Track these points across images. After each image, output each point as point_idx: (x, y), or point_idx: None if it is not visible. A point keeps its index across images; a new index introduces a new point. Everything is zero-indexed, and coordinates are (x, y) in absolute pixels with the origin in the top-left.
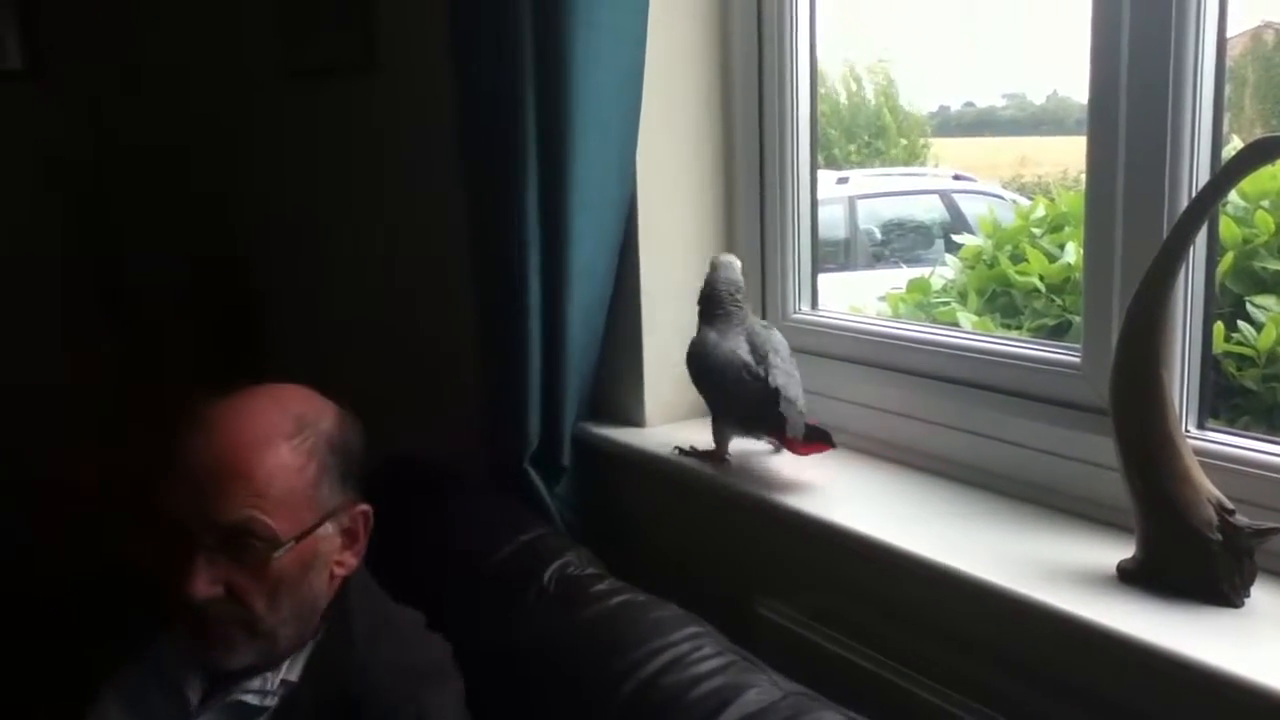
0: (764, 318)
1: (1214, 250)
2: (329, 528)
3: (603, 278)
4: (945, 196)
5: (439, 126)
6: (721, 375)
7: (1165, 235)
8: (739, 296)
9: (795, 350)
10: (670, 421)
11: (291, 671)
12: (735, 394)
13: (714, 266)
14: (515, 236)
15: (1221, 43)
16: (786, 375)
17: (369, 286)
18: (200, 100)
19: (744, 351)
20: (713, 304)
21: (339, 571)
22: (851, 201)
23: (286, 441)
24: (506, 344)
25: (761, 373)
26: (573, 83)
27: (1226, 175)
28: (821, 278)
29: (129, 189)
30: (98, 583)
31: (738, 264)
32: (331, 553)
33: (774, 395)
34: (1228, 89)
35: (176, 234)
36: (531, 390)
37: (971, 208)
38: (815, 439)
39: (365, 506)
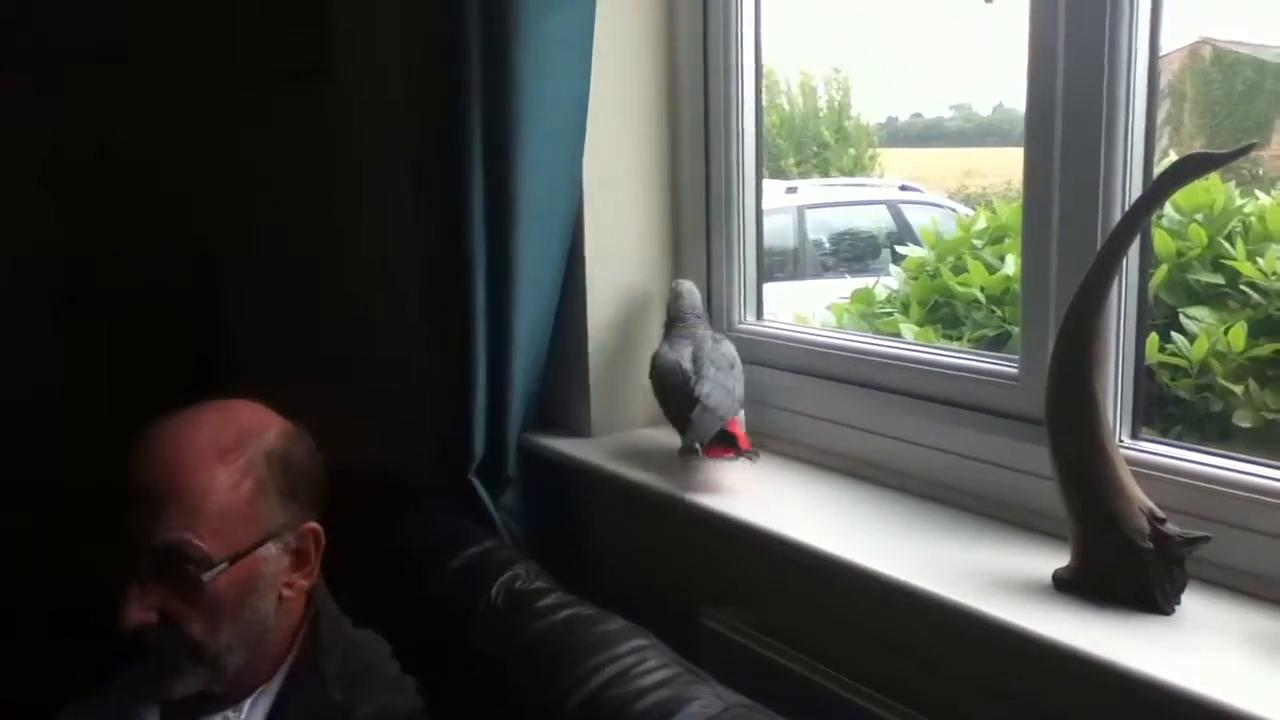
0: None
1: (1147, 262)
2: (271, 548)
3: (549, 288)
4: (892, 207)
5: (393, 136)
6: (660, 381)
7: (1099, 247)
8: (697, 313)
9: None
10: (616, 431)
11: (256, 711)
12: (666, 399)
13: (675, 293)
14: (461, 246)
15: (1154, 59)
16: (714, 384)
17: (322, 296)
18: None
19: (685, 360)
20: (673, 322)
21: (289, 594)
22: (800, 211)
23: (220, 459)
24: (453, 354)
25: (692, 381)
26: (519, 93)
27: (1158, 189)
28: (771, 287)
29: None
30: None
31: (692, 288)
32: (278, 574)
33: (693, 402)
34: (1167, 105)
35: (139, 237)
36: (477, 401)
37: (918, 218)
38: (720, 444)
39: (314, 525)
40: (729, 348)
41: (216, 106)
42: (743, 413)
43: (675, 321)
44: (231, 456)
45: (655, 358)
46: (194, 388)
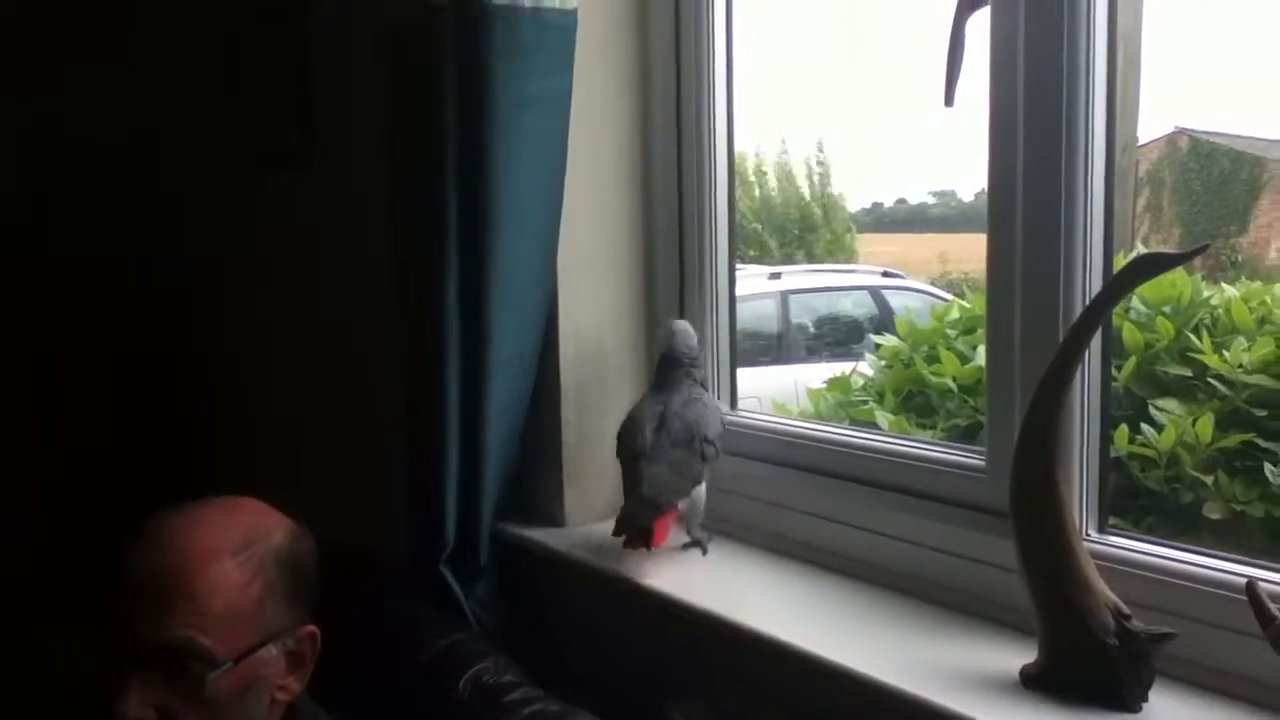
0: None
1: (1109, 356)
2: (272, 650)
3: (523, 373)
4: (875, 292)
5: (373, 224)
6: (618, 444)
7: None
8: (690, 358)
9: None
10: (591, 521)
11: None
12: (619, 445)
13: (665, 331)
14: (436, 330)
15: (1110, 151)
16: (663, 466)
17: (296, 384)
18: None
19: (647, 430)
20: (660, 365)
21: (281, 696)
22: (784, 296)
23: (231, 558)
24: (426, 443)
25: (640, 462)
26: (495, 183)
27: (1116, 286)
28: (756, 370)
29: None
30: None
31: (688, 327)
32: (274, 676)
33: (634, 485)
34: (1146, 192)
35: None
36: (449, 489)
37: (901, 303)
38: (638, 539)
39: (313, 629)
40: (699, 411)
41: (199, 194)
42: (702, 488)
43: (661, 365)
44: (242, 555)
45: (630, 412)
46: (168, 482)
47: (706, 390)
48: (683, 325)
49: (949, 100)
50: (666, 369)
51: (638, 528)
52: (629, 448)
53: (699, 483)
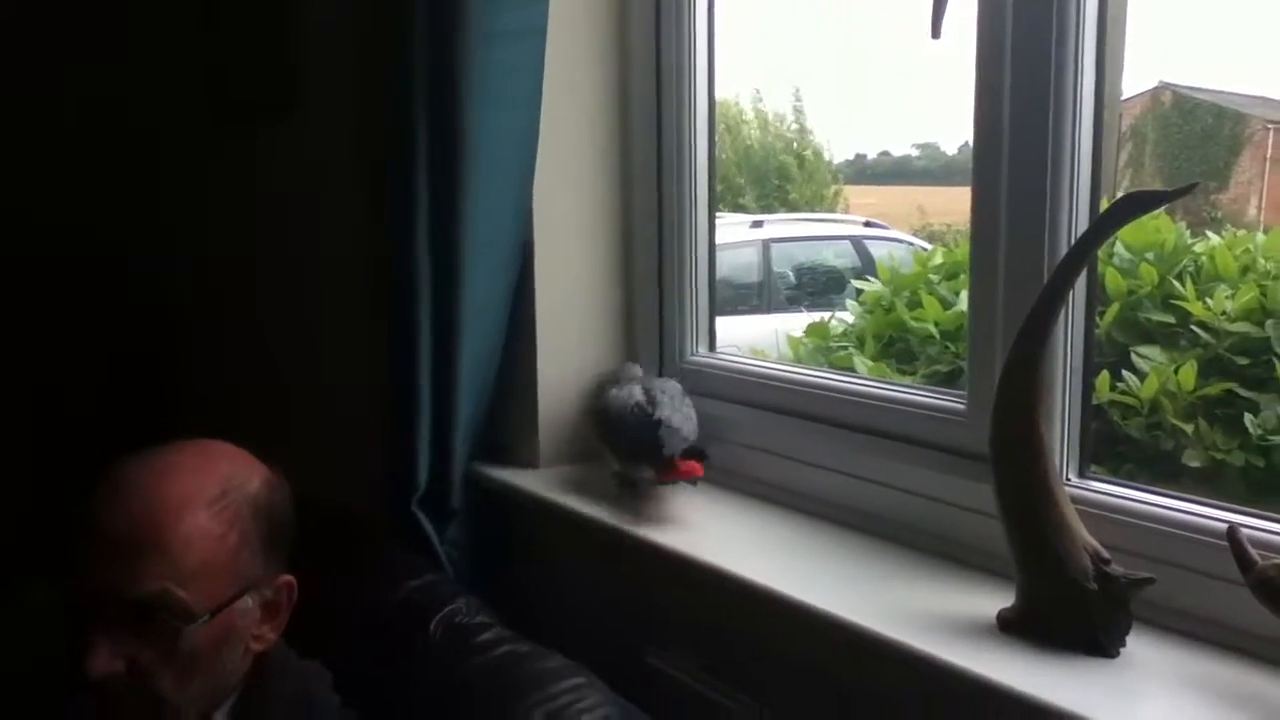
0: (661, 358)
1: (1094, 300)
2: (248, 600)
3: (496, 317)
4: (857, 242)
5: (349, 164)
6: (619, 418)
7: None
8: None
9: (691, 393)
10: (564, 463)
11: None
12: (624, 430)
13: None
14: (406, 274)
15: (1099, 99)
16: (673, 409)
17: (266, 324)
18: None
19: (638, 396)
20: (614, 381)
21: (255, 646)
22: (765, 245)
23: (206, 508)
24: (397, 383)
25: (650, 409)
26: (467, 121)
27: (1102, 224)
28: (735, 319)
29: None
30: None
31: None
32: (250, 627)
33: (655, 423)
34: (1129, 147)
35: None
36: (421, 431)
37: (882, 254)
38: (691, 456)
39: (289, 578)
40: (674, 382)
41: (179, 139)
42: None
43: (616, 380)
44: (218, 505)
45: (601, 401)
46: (133, 416)
47: None
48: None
49: (935, 32)
50: (618, 380)
51: (679, 452)
52: (631, 412)
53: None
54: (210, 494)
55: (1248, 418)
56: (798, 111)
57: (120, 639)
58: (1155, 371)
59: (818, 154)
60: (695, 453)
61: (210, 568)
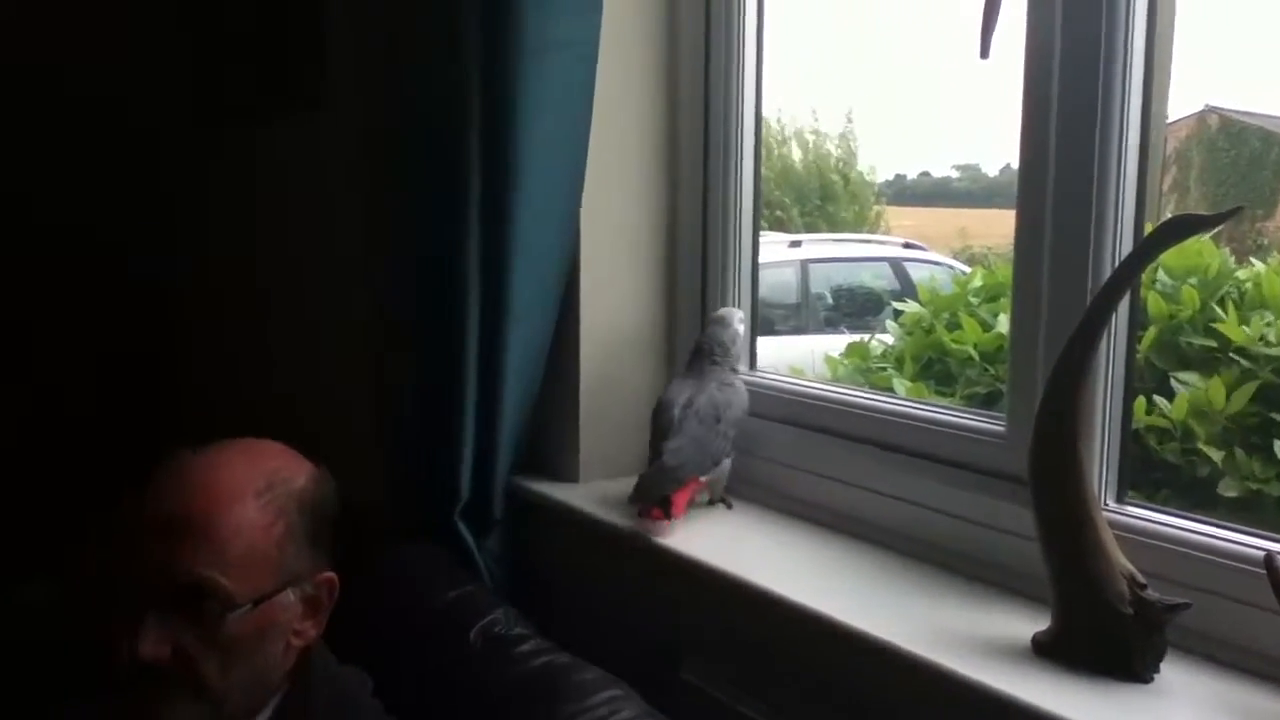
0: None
1: (1135, 325)
2: (290, 595)
3: (542, 330)
4: (895, 264)
5: (388, 168)
6: (653, 421)
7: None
8: (718, 352)
9: None
10: (605, 477)
11: None
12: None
13: (712, 320)
14: (454, 283)
15: (1145, 123)
16: (687, 439)
17: (314, 332)
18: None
19: (677, 406)
20: (695, 355)
21: (296, 642)
22: (804, 265)
23: (254, 499)
24: (443, 395)
25: (668, 433)
26: (518, 130)
27: (1146, 247)
28: (773, 340)
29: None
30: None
31: (732, 320)
32: (290, 621)
33: (656, 456)
34: (1174, 171)
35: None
36: (465, 442)
37: (921, 276)
38: (656, 506)
39: (331, 575)
40: (729, 395)
41: (190, 138)
42: (727, 462)
43: (697, 353)
44: (265, 497)
45: (662, 394)
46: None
47: (738, 376)
48: (724, 315)
49: (984, 53)
50: (698, 356)
51: (656, 496)
52: (657, 424)
53: (720, 461)
54: (258, 486)
55: None
56: (846, 134)
57: (165, 624)
58: (1191, 395)
59: (862, 174)
60: (662, 504)
61: (255, 558)
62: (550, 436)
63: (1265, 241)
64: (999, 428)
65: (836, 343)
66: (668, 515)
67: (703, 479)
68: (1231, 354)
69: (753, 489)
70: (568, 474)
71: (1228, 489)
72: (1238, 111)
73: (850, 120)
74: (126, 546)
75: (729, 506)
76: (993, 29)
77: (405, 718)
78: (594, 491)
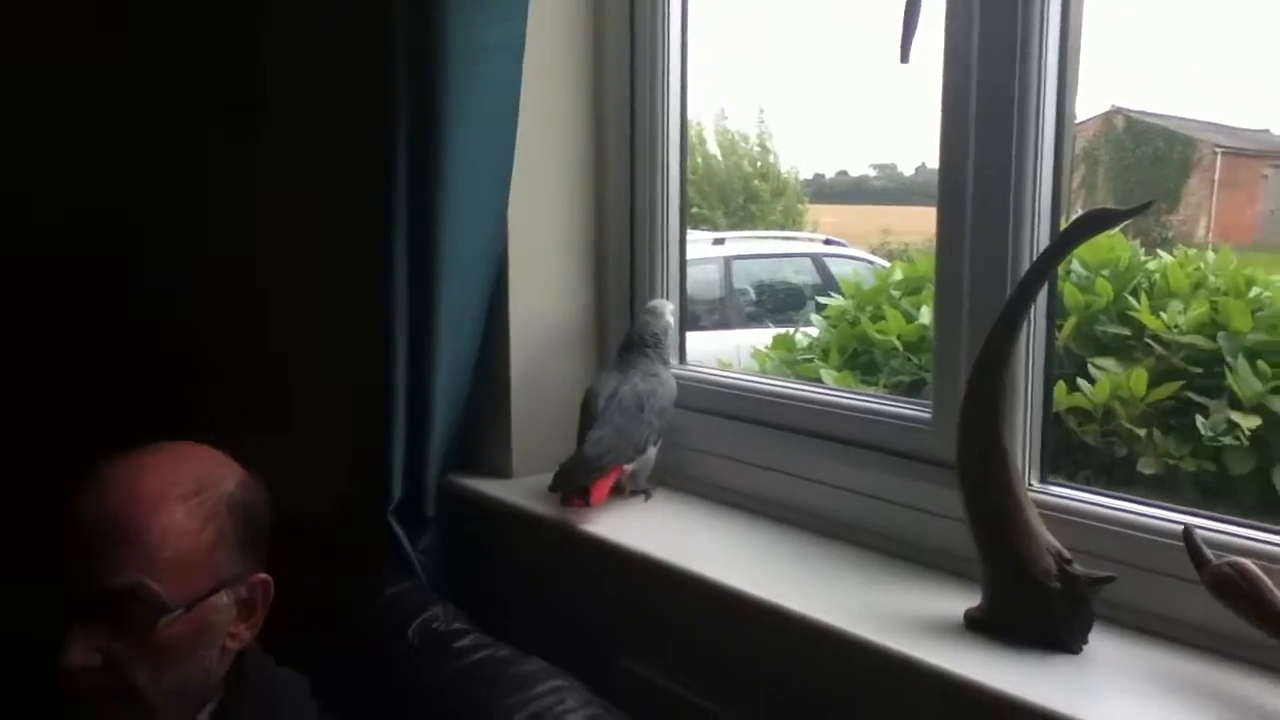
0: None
1: (1054, 313)
2: (224, 597)
3: (472, 328)
4: (816, 260)
5: (322, 172)
6: (581, 412)
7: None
8: (650, 343)
9: None
10: (538, 472)
11: None
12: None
13: (641, 311)
14: (383, 283)
15: (1060, 122)
16: (610, 429)
17: (242, 335)
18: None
19: (602, 397)
20: (625, 347)
21: (231, 645)
22: (727, 262)
23: (182, 503)
24: (373, 394)
25: (592, 424)
26: (445, 136)
27: (1063, 241)
28: (698, 335)
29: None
30: None
31: (664, 312)
32: (225, 624)
33: (578, 444)
34: (1082, 169)
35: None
36: (395, 442)
37: (841, 271)
38: (575, 495)
39: (265, 576)
40: (653, 385)
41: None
42: (653, 451)
43: (627, 345)
44: (193, 501)
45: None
46: (133, 416)
47: (669, 369)
48: (656, 306)
49: (904, 58)
50: (628, 349)
51: (576, 485)
52: (584, 415)
53: (644, 451)
54: (186, 489)
55: (1199, 419)
56: (761, 134)
57: (96, 632)
58: (1108, 378)
59: (787, 176)
60: (580, 494)
61: (185, 562)
62: (482, 433)
63: (1170, 235)
64: (926, 414)
65: (760, 337)
66: (587, 503)
67: (627, 467)
68: (1146, 340)
69: (687, 480)
70: (501, 470)
71: (1146, 466)
72: (1142, 112)
73: (763, 121)
74: (56, 554)
75: (647, 497)
76: (913, 35)
77: (348, 717)
78: (527, 486)
